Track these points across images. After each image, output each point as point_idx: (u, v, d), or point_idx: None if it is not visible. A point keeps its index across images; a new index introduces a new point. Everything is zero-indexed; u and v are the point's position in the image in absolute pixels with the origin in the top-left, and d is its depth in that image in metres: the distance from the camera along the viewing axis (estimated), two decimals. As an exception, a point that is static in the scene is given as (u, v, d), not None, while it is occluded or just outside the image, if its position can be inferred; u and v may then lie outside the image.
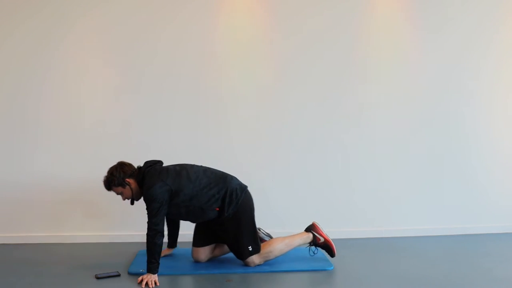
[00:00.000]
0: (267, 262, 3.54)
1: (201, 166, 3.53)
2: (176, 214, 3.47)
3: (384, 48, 4.33)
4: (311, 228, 3.68)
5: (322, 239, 3.63)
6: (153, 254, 3.26)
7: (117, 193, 3.50)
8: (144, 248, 3.64)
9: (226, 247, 3.65)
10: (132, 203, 3.56)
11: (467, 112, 4.43)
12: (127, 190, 3.44)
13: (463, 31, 4.38)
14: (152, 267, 3.26)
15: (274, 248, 3.52)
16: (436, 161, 4.40)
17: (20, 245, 4.05)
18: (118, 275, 3.32)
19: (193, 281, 3.29)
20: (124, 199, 3.52)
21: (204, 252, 3.60)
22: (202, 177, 3.42)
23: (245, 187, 3.55)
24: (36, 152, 4.13)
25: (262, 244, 3.55)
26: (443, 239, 4.26)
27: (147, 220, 3.30)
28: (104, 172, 3.41)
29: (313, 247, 3.67)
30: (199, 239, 3.60)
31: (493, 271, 3.41)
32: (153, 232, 3.26)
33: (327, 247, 3.63)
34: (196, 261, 3.61)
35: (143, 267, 3.43)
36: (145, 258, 3.40)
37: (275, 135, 4.28)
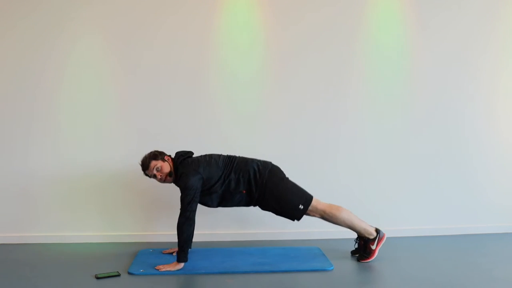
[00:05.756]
0: (267, 262, 3.55)
1: (227, 155, 3.73)
2: (209, 201, 3.63)
3: (383, 47, 4.32)
4: None
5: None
6: (180, 242, 3.38)
7: (156, 168, 3.59)
8: (144, 248, 3.64)
9: None
10: (165, 181, 3.64)
11: (466, 112, 4.43)
12: (166, 165, 3.62)
13: (462, 31, 4.38)
14: (179, 256, 3.39)
15: (340, 212, 3.63)
16: (436, 161, 4.40)
17: (20, 245, 4.04)
18: (118, 275, 3.32)
19: (193, 281, 3.29)
20: (159, 176, 3.61)
21: None
22: (228, 163, 3.64)
23: (268, 164, 3.69)
24: (35, 152, 4.12)
25: (330, 205, 3.67)
26: (443, 239, 4.26)
27: (180, 208, 3.42)
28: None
29: None
30: None
31: (493, 271, 3.41)
32: (183, 218, 3.38)
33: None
34: None
35: (143, 267, 3.43)
36: (145, 259, 3.39)
37: (274, 134, 4.27)
